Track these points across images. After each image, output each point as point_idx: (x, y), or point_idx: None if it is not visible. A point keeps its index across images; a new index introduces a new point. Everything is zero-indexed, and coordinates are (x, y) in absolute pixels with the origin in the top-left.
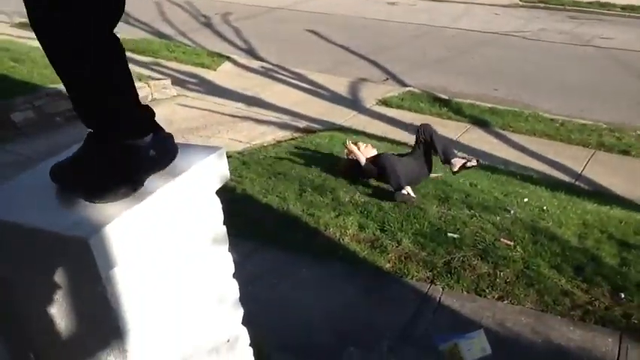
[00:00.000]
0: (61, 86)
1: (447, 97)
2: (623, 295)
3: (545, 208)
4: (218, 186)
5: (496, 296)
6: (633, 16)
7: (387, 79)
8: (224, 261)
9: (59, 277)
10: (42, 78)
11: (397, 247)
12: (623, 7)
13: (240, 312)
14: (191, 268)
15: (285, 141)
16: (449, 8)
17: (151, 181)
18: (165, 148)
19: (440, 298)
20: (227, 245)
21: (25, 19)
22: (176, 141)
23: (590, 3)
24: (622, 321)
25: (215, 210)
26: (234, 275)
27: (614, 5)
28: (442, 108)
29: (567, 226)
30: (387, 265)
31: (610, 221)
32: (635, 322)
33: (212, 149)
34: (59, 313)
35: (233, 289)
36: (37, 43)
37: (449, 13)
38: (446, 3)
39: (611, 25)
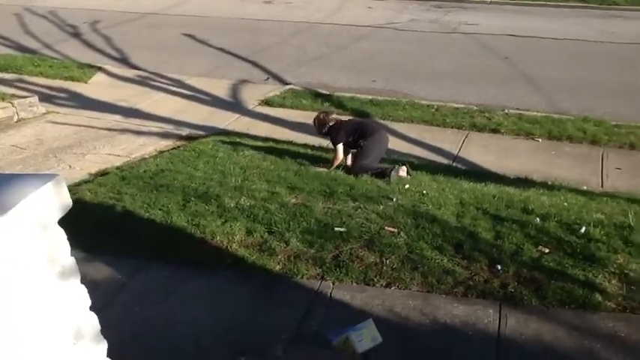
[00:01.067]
0: None
1: (327, 93)
2: (499, 267)
3: (425, 192)
4: (59, 216)
5: (384, 284)
6: (495, 2)
7: (268, 78)
8: (77, 294)
9: None
10: None
11: (286, 247)
12: None
13: (102, 346)
14: (36, 308)
15: (168, 151)
16: (323, 3)
17: None
18: None
19: (331, 293)
20: (79, 277)
21: None
22: (46, 162)
23: None
24: (499, 292)
25: (59, 242)
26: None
27: None
28: (324, 103)
29: (446, 207)
30: (277, 267)
31: (484, 198)
32: (512, 290)
33: (48, 177)
34: None
35: (91, 322)
36: None
37: (324, 9)
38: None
39: (475, 11)
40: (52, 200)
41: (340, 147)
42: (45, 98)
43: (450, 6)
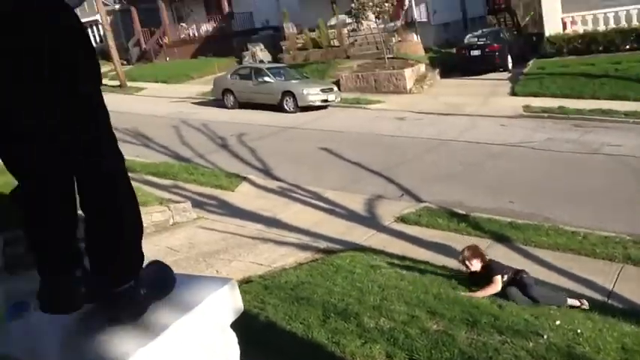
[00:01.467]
0: None
1: (464, 213)
2: None
3: (579, 331)
4: (232, 319)
5: None
6: (638, 122)
7: (403, 195)
8: None
9: None
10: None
11: None
12: (626, 114)
13: None
14: None
15: (307, 263)
16: (455, 121)
17: (162, 316)
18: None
19: None
20: None
21: None
22: (197, 266)
23: (592, 111)
24: None
25: (230, 344)
26: None
27: (616, 112)
28: (460, 223)
29: (606, 352)
30: None
31: None
32: None
33: (223, 280)
34: None
35: None
36: None
37: (455, 126)
38: (451, 116)
39: (617, 131)
40: (227, 303)
41: (499, 278)
42: (196, 204)
43: (589, 125)
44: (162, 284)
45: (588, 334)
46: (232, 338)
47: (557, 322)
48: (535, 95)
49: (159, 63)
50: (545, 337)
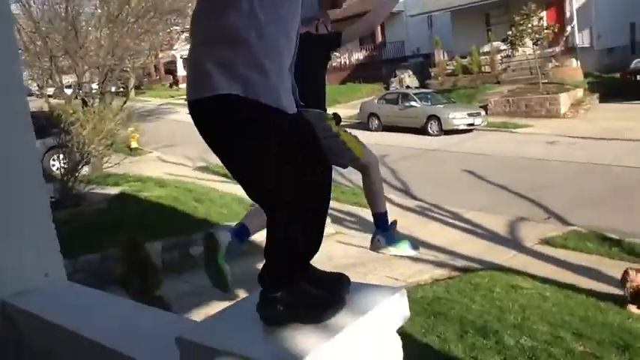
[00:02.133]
0: (234, 223)
1: (616, 237)
2: None
3: None
4: (399, 325)
5: None
6: None
7: (549, 217)
8: None
9: None
10: (219, 216)
11: None
12: None
13: None
14: None
15: (443, 280)
16: (613, 146)
17: (340, 318)
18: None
19: None
20: None
21: (205, 164)
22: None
23: None
24: None
25: (396, 349)
26: None
27: None
28: (612, 248)
29: None
30: None
31: None
32: None
33: (394, 289)
34: None
35: None
36: (215, 185)
37: (613, 151)
38: (609, 141)
39: None
40: (397, 310)
41: None
42: (335, 220)
43: None
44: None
45: None
46: (398, 343)
47: None
48: None
49: None
50: None
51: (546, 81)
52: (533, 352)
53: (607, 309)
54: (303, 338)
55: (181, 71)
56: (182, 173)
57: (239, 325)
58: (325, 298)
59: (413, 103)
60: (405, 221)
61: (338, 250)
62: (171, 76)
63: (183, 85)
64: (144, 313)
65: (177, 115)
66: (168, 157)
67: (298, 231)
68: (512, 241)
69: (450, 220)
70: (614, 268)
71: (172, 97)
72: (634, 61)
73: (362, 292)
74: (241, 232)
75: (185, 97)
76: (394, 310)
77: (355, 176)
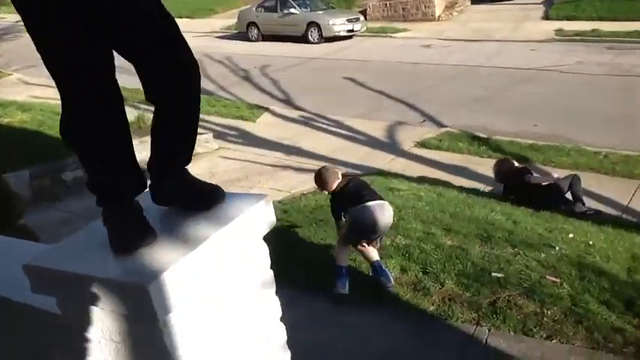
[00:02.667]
0: None
1: (485, 136)
2: None
3: (591, 242)
4: (265, 232)
5: (544, 335)
6: None
7: (425, 120)
8: (272, 304)
9: (117, 322)
10: None
11: (440, 288)
12: None
13: (287, 355)
14: (241, 312)
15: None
16: (483, 47)
17: (203, 228)
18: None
19: (486, 340)
20: (274, 289)
21: None
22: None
23: (628, 33)
24: None
25: (262, 255)
26: (281, 319)
27: None
28: (481, 147)
29: (615, 261)
30: (431, 308)
31: None
32: None
33: (259, 196)
34: (117, 357)
35: (280, 332)
36: None
37: (483, 52)
38: (480, 42)
39: None
40: (262, 216)
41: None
42: (218, 135)
43: (623, 47)
44: (215, 193)
45: (600, 245)
46: (265, 249)
47: (571, 235)
48: (569, 19)
49: None
50: (557, 248)
51: None
52: (407, 250)
53: (473, 204)
54: (160, 254)
55: None
56: (49, 95)
57: (88, 250)
58: (214, 189)
59: (292, 10)
60: (287, 132)
61: (222, 165)
62: None
63: None
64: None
65: None
66: (32, 78)
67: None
68: (390, 146)
69: (332, 129)
70: (482, 165)
71: None
72: None
73: (225, 202)
74: None
75: None
76: (258, 218)
77: (237, 88)
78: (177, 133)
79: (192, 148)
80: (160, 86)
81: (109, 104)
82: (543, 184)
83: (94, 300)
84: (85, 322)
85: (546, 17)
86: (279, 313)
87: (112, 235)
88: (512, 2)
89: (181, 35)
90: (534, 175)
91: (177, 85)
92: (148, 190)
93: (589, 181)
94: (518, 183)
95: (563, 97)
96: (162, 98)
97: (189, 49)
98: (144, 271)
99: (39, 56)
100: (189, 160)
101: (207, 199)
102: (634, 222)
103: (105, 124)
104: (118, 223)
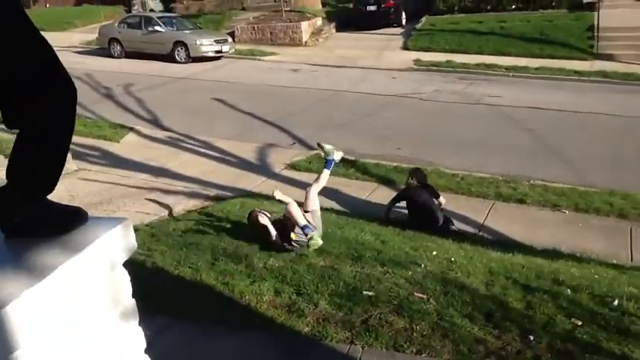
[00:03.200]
0: None
1: (353, 159)
2: (532, 338)
3: (453, 259)
4: (125, 258)
5: (414, 350)
6: (517, 75)
7: (294, 143)
8: (135, 336)
9: None
10: None
11: (314, 309)
12: (507, 68)
13: None
14: (101, 344)
15: (196, 210)
16: (349, 73)
17: (54, 256)
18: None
19: (360, 358)
20: (137, 319)
21: None
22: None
23: (476, 65)
24: None
25: (123, 283)
26: (146, 351)
27: (498, 66)
28: (349, 169)
29: (475, 275)
30: (306, 329)
31: (513, 267)
32: None
33: (117, 220)
34: None
35: None
36: None
37: (349, 78)
38: (345, 68)
39: (498, 84)
40: (120, 242)
41: None
42: (77, 155)
43: (473, 78)
44: (76, 216)
45: (461, 261)
46: (124, 276)
47: (434, 253)
48: (425, 50)
49: (37, 9)
50: (422, 266)
51: (289, 9)
52: (280, 272)
53: (344, 225)
54: (4, 286)
55: None
56: None
57: None
58: (75, 211)
59: (157, 28)
60: (155, 153)
61: (82, 187)
62: None
63: None
64: None
65: None
66: None
67: None
68: (261, 167)
69: (202, 150)
70: (350, 187)
71: None
72: None
73: (80, 228)
74: None
75: None
76: (116, 243)
77: (99, 107)
78: (35, 158)
79: (55, 174)
80: (21, 111)
81: None
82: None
83: None
84: None
85: (405, 47)
86: (144, 345)
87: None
88: (373, 32)
89: (52, 59)
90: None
91: (39, 110)
92: None
93: (448, 202)
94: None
95: (424, 123)
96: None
97: (60, 72)
98: None
99: None
100: (53, 185)
101: (65, 222)
102: (489, 239)
103: None
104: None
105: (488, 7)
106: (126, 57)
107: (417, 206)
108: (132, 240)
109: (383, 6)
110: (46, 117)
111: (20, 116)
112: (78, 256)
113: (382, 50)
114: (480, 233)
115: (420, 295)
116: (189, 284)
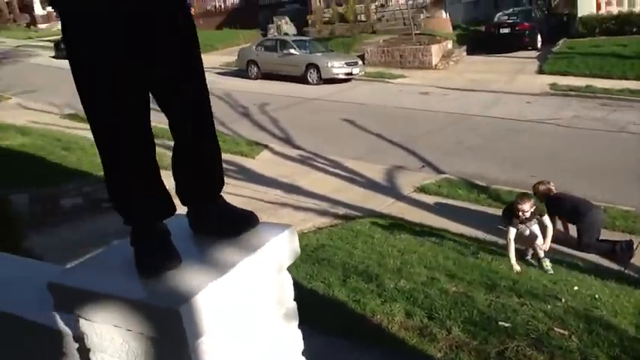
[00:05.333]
0: None
1: (484, 184)
2: None
3: (597, 296)
4: (290, 262)
5: None
6: None
7: (424, 166)
8: (294, 337)
9: (143, 345)
10: (91, 165)
11: (447, 335)
12: None
13: None
14: (265, 342)
15: (326, 227)
16: (479, 97)
17: (230, 254)
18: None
19: None
20: (297, 321)
21: (74, 111)
22: None
23: (620, 90)
24: None
25: (287, 285)
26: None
27: None
28: (480, 195)
29: (623, 315)
30: (439, 355)
31: None
32: None
33: (284, 226)
34: None
35: None
36: (86, 133)
37: (480, 102)
38: (476, 92)
39: None
40: (287, 247)
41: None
42: None
43: (616, 105)
44: (249, 219)
45: (606, 299)
46: (289, 279)
47: (576, 288)
48: (563, 74)
49: None
50: (563, 300)
51: (419, 32)
52: (411, 294)
53: (476, 252)
54: (189, 277)
55: (39, 9)
56: (47, 121)
57: (113, 269)
58: (248, 214)
59: (292, 51)
60: (287, 170)
61: None
62: (27, 15)
63: (42, 26)
64: (12, 263)
65: (38, 58)
66: (31, 103)
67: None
68: (389, 189)
69: (331, 169)
70: (481, 213)
71: (31, 38)
72: (497, 15)
73: (252, 230)
74: None
75: (46, 38)
76: (285, 247)
77: (237, 125)
78: (208, 159)
79: (221, 173)
80: (186, 118)
81: (139, 133)
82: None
83: (119, 321)
84: (109, 344)
85: (540, 71)
86: (302, 347)
87: (138, 256)
88: (506, 55)
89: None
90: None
91: (202, 117)
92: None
93: None
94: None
95: (560, 150)
96: (187, 129)
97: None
98: (174, 293)
99: (38, 82)
100: (221, 185)
101: (240, 224)
102: (636, 278)
103: (134, 152)
104: (144, 245)
105: (634, 30)
106: (262, 78)
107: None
108: (296, 245)
109: (517, 28)
110: (207, 121)
111: (192, 126)
112: (252, 255)
113: (515, 74)
114: (627, 271)
115: (562, 330)
116: (322, 298)
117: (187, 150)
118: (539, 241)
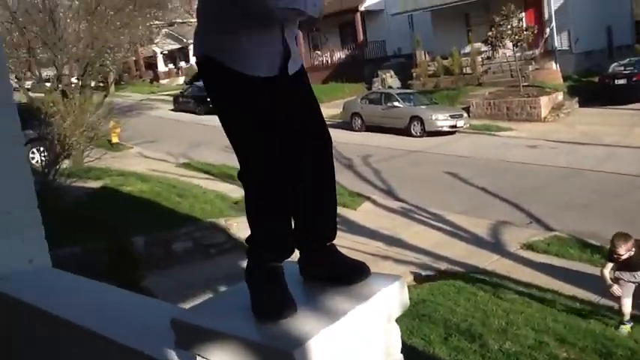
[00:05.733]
0: (217, 220)
1: (598, 244)
2: None
3: None
4: (399, 313)
5: None
6: None
7: (531, 222)
8: None
9: None
10: (202, 212)
11: None
12: None
13: None
14: None
15: (427, 282)
16: (592, 151)
17: (341, 302)
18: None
19: None
20: None
21: (188, 160)
22: None
23: None
24: None
25: (394, 337)
26: None
27: None
28: (594, 255)
29: None
30: None
31: None
32: None
33: (394, 277)
34: None
35: None
36: (198, 181)
37: (593, 156)
38: (588, 146)
39: None
40: (397, 297)
41: None
42: None
43: None
44: (362, 269)
45: None
46: (397, 331)
47: None
48: None
49: None
50: None
51: (527, 84)
52: (517, 357)
53: (588, 315)
54: (302, 322)
55: (162, 67)
56: (164, 169)
57: (231, 311)
58: (360, 265)
59: (396, 104)
60: (388, 222)
61: None
62: (151, 72)
63: (164, 81)
64: (133, 300)
65: (159, 111)
66: (150, 152)
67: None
68: (494, 245)
69: (433, 222)
70: (595, 275)
71: (153, 92)
72: (612, 65)
73: (363, 280)
74: None
75: (166, 92)
76: (394, 298)
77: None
78: (324, 206)
79: (336, 221)
80: (311, 166)
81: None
82: None
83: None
84: None
85: None
86: None
87: (257, 301)
88: (622, 107)
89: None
90: None
91: (325, 165)
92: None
93: None
94: None
95: None
96: (309, 176)
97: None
98: (288, 337)
99: (157, 133)
100: (335, 233)
101: (352, 275)
102: None
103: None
104: (264, 290)
105: None
106: (365, 130)
107: None
108: (406, 297)
109: (634, 79)
110: (331, 171)
111: (314, 173)
112: (364, 304)
113: (632, 127)
114: None
115: None
116: (422, 355)
117: (309, 197)
118: None
